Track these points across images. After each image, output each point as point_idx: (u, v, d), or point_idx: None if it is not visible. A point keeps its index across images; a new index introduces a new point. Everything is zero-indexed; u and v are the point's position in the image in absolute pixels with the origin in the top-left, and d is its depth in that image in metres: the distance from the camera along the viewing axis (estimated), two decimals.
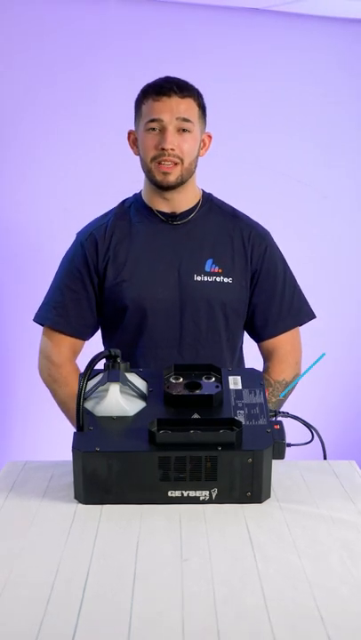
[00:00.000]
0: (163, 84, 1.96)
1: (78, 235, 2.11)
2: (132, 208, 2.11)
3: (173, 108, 1.94)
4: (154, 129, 1.96)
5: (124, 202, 2.14)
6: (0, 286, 3.13)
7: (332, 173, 3.45)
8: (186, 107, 1.96)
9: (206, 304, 2.03)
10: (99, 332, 2.16)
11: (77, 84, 3.04)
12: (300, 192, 3.41)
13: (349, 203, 3.52)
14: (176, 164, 1.97)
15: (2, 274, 3.12)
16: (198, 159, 2.05)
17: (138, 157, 2.05)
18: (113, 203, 2.16)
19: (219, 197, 2.16)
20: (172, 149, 1.94)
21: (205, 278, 2.04)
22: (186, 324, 2.04)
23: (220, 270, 2.05)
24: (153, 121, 1.95)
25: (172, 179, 1.98)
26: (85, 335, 2.10)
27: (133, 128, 2.05)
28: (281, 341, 2.12)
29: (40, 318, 2.10)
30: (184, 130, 1.96)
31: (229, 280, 2.05)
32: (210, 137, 2.07)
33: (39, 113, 3.02)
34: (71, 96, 3.04)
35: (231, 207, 2.15)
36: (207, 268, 2.05)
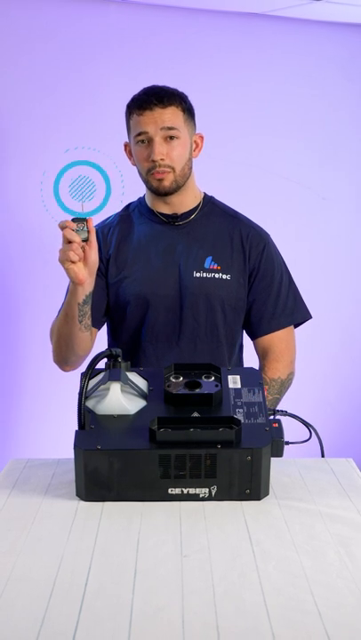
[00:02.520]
0: (143, 99, 2.00)
1: None
2: (136, 211, 2.16)
3: (157, 120, 1.98)
4: (143, 141, 2.01)
5: (128, 205, 2.20)
6: (7, 288, 3.14)
7: (332, 175, 3.47)
8: (169, 115, 1.99)
9: (205, 299, 2.07)
10: (100, 333, 2.18)
11: (79, 87, 3.05)
12: (300, 194, 3.43)
13: (348, 204, 3.53)
14: (168, 172, 2.01)
15: (10, 275, 3.13)
16: (192, 161, 2.08)
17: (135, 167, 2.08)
18: (115, 205, 2.18)
19: (219, 199, 2.19)
20: (161, 159, 1.99)
21: (204, 274, 2.07)
22: (185, 319, 2.07)
23: (218, 267, 2.08)
24: (140, 134, 2.00)
25: (166, 184, 2.03)
26: (97, 324, 2.11)
27: (128, 140, 2.09)
28: (275, 340, 2.15)
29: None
30: (171, 137, 2.00)
31: (228, 277, 2.08)
32: (202, 137, 2.11)
33: (42, 117, 3.03)
34: (73, 100, 3.05)
35: (232, 209, 2.19)
36: (206, 265, 2.08)
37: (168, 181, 2.02)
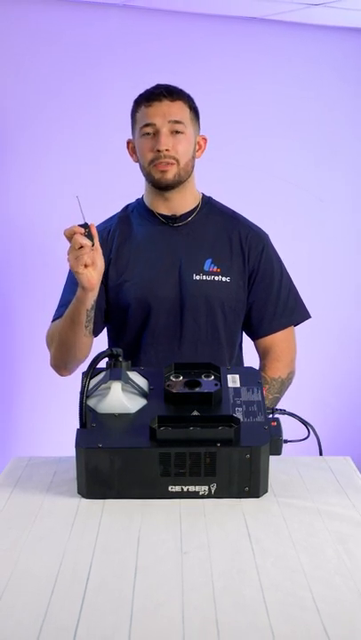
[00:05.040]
0: (153, 91, 2.02)
1: None
2: (135, 212, 2.15)
3: (165, 112, 1.99)
4: (148, 133, 2.00)
5: (127, 207, 2.19)
6: (9, 288, 3.15)
7: (328, 177, 3.49)
8: (177, 109, 2.01)
9: (205, 302, 2.07)
10: (100, 335, 2.19)
11: (81, 91, 3.07)
12: (297, 195, 3.45)
13: (345, 205, 3.56)
14: (172, 164, 2.01)
15: (12, 276, 3.14)
16: (195, 161, 2.08)
17: (138, 164, 2.09)
18: (116, 206, 2.20)
19: (218, 200, 2.20)
20: (167, 150, 1.99)
21: (204, 277, 2.07)
22: (186, 322, 2.07)
23: (218, 270, 2.09)
24: (147, 125, 2.00)
25: (169, 176, 2.02)
26: (93, 331, 2.12)
27: (131, 137, 2.10)
28: (276, 340, 2.16)
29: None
30: (177, 132, 2.00)
31: (227, 279, 2.08)
32: (205, 139, 2.11)
33: (44, 120, 3.05)
34: (75, 103, 3.07)
35: (230, 209, 2.19)
36: (206, 268, 2.08)
37: (171, 174, 2.01)
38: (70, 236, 1.80)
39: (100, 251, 1.84)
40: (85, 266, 1.81)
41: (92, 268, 1.82)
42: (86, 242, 1.79)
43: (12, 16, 2.93)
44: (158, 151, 1.99)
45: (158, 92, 2.00)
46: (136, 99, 2.05)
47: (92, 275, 1.83)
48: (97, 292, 1.90)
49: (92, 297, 1.90)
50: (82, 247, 1.79)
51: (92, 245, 1.81)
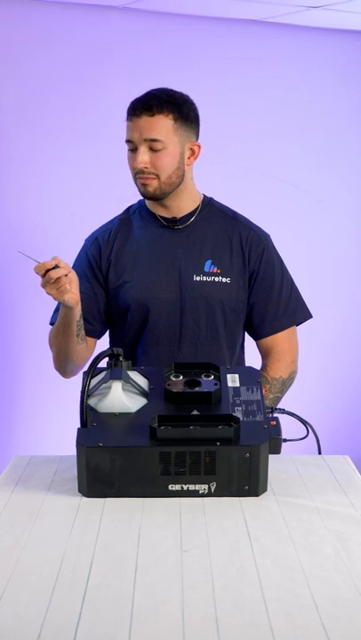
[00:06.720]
0: (136, 104, 1.99)
1: (86, 240, 2.17)
2: (136, 214, 2.16)
3: (142, 129, 1.97)
4: (131, 149, 2.01)
5: (129, 208, 2.19)
6: (9, 288, 3.16)
7: (328, 178, 3.50)
8: (154, 126, 1.97)
9: (205, 303, 2.07)
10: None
11: (81, 92, 3.07)
12: (297, 196, 3.46)
13: (344, 206, 3.57)
14: (152, 178, 2.01)
15: (11, 276, 3.15)
16: (186, 167, 2.04)
17: None
18: (116, 207, 2.20)
19: (219, 202, 2.20)
20: (145, 167, 1.99)
21: (204, 278, 2.08)
22: (186, 323, 2.08)
23: (218, 270, 2.09)
24: (128, 141, 2.01)
25: (150, 190, 2.02)
26: (94, 333, 2.13)
27: None
28: (278, 340, 2.16)
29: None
30: (156, 148, 1.98)
31: (227, 280, 2.09)
32: (199, 146, 2.06)
33: (45, 121, 3.05)
34: (75, 105, 3.07)
35: (231, 210, 2.18)
36: (206, 269, 2.08)
37: (152, 187, 2.01)
38: (41, 273, 1.80)
39: (67, 265, 1.84)
40: (69, 291, 1.83)
41: (74, 288, 1.84)
42: (61, 272, 1.79)
43: (12, 18, 2.93)
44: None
45: (139, 106, 1.98)
46: (129, 105, 2.04)
47: (75, 292, 1.85)
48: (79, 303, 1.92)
49: (78, 310, 1.92)
50: (59, 278, 1.80)
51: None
